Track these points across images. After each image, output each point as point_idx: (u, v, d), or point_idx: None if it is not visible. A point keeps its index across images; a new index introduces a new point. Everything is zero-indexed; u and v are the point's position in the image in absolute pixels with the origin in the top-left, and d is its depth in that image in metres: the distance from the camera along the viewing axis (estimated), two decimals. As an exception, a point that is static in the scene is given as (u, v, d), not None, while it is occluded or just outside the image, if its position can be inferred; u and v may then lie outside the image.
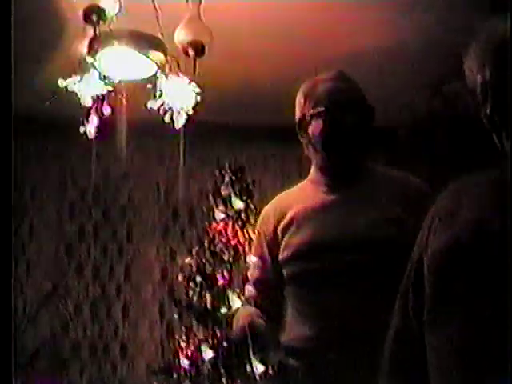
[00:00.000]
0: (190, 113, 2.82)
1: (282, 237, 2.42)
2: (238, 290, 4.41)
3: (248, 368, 4.39)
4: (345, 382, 2.22)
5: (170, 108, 2.80)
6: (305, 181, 2.52)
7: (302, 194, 2.47)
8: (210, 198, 4.86)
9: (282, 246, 2.42)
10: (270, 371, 4.31)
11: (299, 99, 2.48)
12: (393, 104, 4.13)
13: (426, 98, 4.17)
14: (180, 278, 4.69)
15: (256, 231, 2.60)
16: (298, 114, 2.49)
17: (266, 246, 2.51)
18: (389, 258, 2.20)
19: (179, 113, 2.82)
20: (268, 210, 2.55)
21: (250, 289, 2.60)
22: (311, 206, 2.40)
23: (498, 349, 1.33)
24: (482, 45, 1.56)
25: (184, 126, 2.92)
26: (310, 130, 2.42)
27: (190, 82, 2.79)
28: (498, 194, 1.49)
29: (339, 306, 2.26)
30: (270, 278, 2.51)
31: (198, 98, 2.82)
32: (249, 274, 2.65)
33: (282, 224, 2.44)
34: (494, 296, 1.36)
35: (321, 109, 2.37)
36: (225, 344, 4.36)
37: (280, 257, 2.41)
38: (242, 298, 4.43)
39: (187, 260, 4.73)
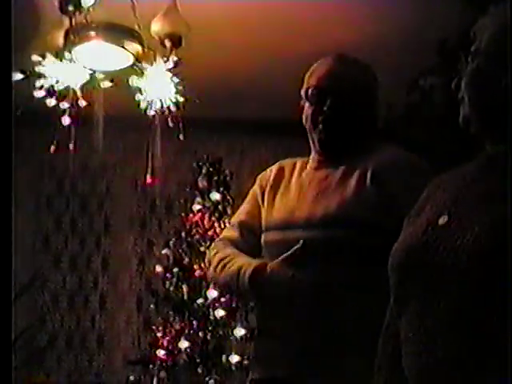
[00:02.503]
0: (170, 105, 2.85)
1: (264, 200, 2.47)
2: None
3: (223, 359, 4.45)
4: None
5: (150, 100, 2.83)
6: (308, 158, 2.55)
7: (297, 167, 2.50)
8: (188, 189, 4.89)
9: (264, 212, 2.46)
10: (246, 361, 4.37)
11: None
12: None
13: (403, 93, 4.21)
14: (157, 269, 4.71)
15: (255, 185, 2.60)
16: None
17: (260, 197, 2.52)
18: (357, 239, 2.23)
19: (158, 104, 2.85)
20: (268, 171, 2.57)
21: (232, 227, 2.57)
22: (297, 180, 2.44)
23: (452, 334, 1.37)
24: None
25: (160, 117, 2.95)
26: (304, 111, 2.47)
27: (171, 75, 2.82)
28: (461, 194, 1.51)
29: (303, 284, 2.27)
30: (255, 225, 2.50)
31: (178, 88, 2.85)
32: (234, 217, 2.65)
33: (272, 187, 2.48)
34: (448, 291, 1.38)
35: (307, 90, 2.42)
36: (201, 334, 4.40)
37: (262, 222, 2.45)
38: (218, 288, 4.47)
39: (164, 251, 4.75)
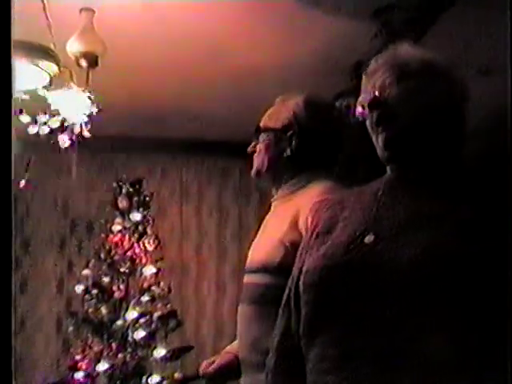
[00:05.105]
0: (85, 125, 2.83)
1: None
2: (133, 302, 4.42)
3: (143, 380, 4.42)
4: None
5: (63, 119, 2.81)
6: None
7: None
8: (108, 209, 4.85)
9: None
10: (165, 382, 4.35)
11: None
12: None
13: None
14: (77, 290, 4.65)
15: None
16: None
17: None
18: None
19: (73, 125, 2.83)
20: None
21: None
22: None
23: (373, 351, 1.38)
24: (379, 65, 1.58)
25: (78, 138, 2.93)
26: None
27: (86, 94, 2.80)
28: (375, 207, 1.54)
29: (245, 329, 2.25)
30: None
31: (93, 109, 2.84)
32: None
33: None
34: (373, 310, 1.40)
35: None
36: (120, 356, 4.35)
37: None
38: (138, 309, 4.44)
39: (85, 272, 4.70)
